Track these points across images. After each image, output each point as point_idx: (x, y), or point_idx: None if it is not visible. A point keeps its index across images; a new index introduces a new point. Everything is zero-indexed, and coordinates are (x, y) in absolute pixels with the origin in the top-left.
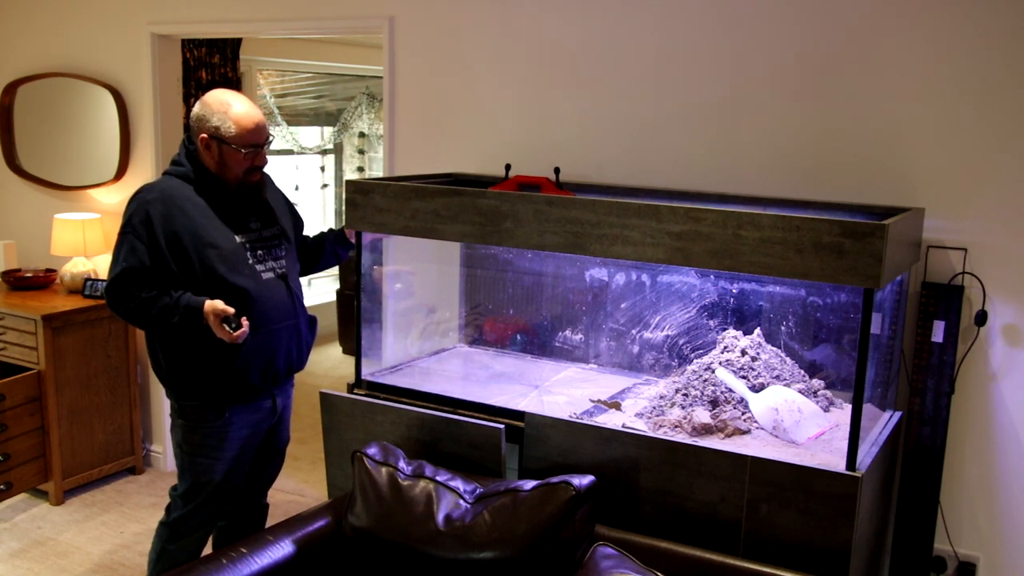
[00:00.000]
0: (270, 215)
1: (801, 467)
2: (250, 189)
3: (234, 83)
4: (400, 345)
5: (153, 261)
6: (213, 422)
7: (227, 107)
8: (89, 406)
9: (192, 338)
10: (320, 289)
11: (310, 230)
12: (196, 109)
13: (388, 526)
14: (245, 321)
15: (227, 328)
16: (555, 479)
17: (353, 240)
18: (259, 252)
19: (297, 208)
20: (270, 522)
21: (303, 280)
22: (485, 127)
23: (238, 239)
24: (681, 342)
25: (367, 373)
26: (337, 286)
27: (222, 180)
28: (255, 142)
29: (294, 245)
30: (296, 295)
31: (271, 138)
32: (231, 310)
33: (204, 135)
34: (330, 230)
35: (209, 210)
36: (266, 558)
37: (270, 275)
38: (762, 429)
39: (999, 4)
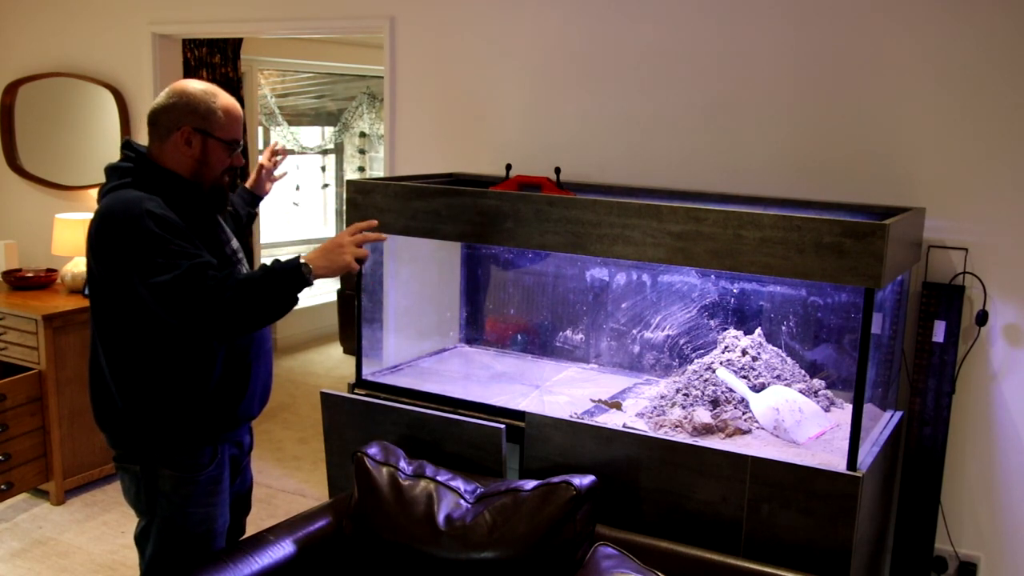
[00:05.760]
0: (233, 228)
1: (802, 467)
2: (220, 194)
3: (235, 83)
4: (401, 345)
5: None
6: (208, 466)
7: (213, 97)
8: (90, 406)
9: (164, 373)
10: (321, 289)
11: (311, 230)
12: (175, 100)
13: (389, 526)
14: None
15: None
16: (556, 479)
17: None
18: (237, 266)
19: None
20: (272, 522)
21: None
22: (486, 127)
23: (227, 250)
24: (682, 342)
25: (368, 373)
26: (338, 286)
27: (196, 184)
28: (239, 137)
29: None
30: None
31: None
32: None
33: (187, 127)
34: (236, 193)
35: (187, 221)
36: (267, 558)
37: None
38: (763, 429)
39: (998, 5)
